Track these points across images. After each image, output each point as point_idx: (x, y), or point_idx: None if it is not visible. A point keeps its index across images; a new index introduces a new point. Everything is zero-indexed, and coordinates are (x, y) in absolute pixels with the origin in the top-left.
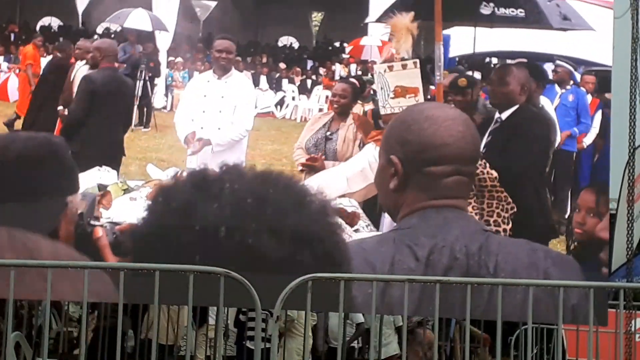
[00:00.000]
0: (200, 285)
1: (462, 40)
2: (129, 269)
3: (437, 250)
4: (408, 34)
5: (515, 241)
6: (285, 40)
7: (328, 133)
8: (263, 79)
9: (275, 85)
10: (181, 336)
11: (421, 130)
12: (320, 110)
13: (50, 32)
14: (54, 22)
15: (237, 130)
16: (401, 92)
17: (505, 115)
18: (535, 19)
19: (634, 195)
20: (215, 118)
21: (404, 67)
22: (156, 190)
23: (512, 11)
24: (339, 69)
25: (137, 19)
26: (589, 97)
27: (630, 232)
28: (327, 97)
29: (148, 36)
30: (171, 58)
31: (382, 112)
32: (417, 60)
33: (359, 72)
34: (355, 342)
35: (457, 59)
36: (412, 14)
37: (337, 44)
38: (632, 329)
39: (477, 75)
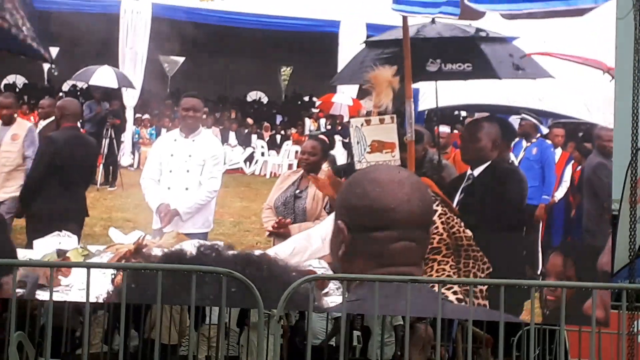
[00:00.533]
0: (204, 286)
1: (431, 94)
2: (132, 268)
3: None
4: (389, 88)
5: (467, 308)
6: (254, 95)
7: (297, 191)
8: (232, 134)
9: (244, 141)
10: (182, 336)
11: (365, 194)
12: (290, 166)
13: (15, 91)
14: (19, 80)
15: (203, 193)
16: (378, 146)
17: (477, 171)
18: (483, 72)
19: (637, 196)
20: (183, 178)
21: (382, 121)
22: (127, 275)
23: (459, 66)
24: (308, 124)
25: (103, 76)
26: (559, 151)
27: (632, 233)
28: (296, 152)
29: (114, 93)
30: (138, 115)
31: (358, 167)
32: (394, 116)
33: (329, 127)
34: (357, 342)
35: (426, 112)
36: (394, 67)
37: (306, 98)
38: (635, 329)
39: (446, 129)
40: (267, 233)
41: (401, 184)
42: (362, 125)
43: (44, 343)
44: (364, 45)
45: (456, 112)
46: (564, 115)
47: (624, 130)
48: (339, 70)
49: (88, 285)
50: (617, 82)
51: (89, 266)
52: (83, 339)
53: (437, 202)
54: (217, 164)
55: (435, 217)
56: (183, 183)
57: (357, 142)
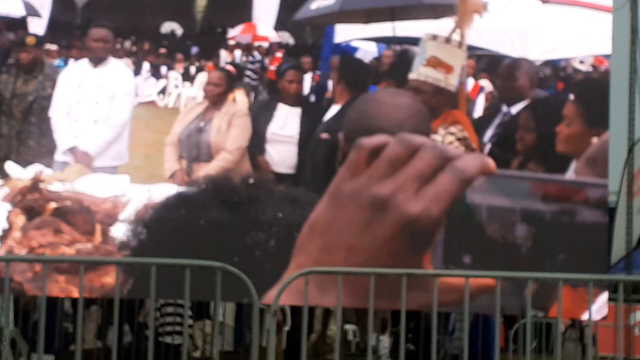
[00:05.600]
0: (198, 280)
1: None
2: (125, 263)
3: None
4: (472, 16)
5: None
6: (168, 27)
7: (201, 124)
8: (145, 66)
9: (158, 73)
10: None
11: (363, 111)
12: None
13: None
14: None
15: (112, 128)
16: (434, 62)
17: (515, 109)
18: None
19: (634, 189)
20: (91, 110)
21: (447, 41)
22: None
23: None
24: (224, 56)
25: (7, 4)
26: (471, 81)
27: (629, 225)
28: None
29: (20, 23)
30: (47, 46)
31: (411, 76)
32: (464, 44)
33: (244, 59)
34: (352, 336)
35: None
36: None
37: (219, 30)
38: (632, 322)
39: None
40: (168, 175)
41: (399, 108)
42: (428, 39)
43: (37, 339)
44: None
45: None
46: (477, 47)
47: (620, 122)
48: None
49: (82, 281)
50: (612, 73)
51: (81, 262)
52: (76, 335)
53: (457, 142)
54: (127, 95)
55: None
56: (91, 115)
57: (419, 54)
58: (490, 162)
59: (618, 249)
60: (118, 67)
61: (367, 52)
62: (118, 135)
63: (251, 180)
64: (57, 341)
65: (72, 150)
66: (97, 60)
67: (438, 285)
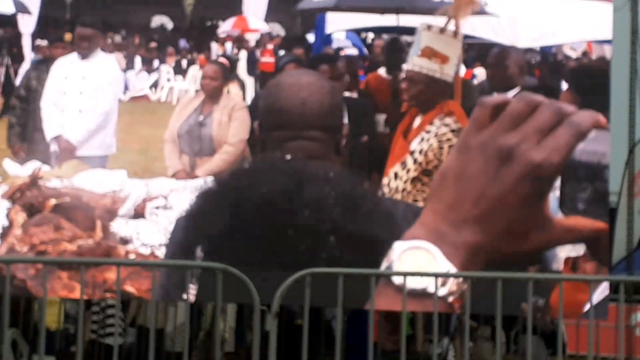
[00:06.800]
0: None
1: (338, 17)
2: (127, 264)
3: None
4: (468, 7)
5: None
6: (158, 20)
7: (201, 118)
8: (137, 60)
9: (149, 67)
10: (180, 332)
11: (268, 96)
12: (198, 91)
13: None
14: None
15: (94, 117)
16: (429, 53)
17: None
18: None
19: (635, 190)
20: (76, 100)
21: (442, 31)
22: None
23: None
24: (215, 48)
25: None
26: (463, 68)
27: (630, 226)
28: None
29: (9, 20)
30: (38, 42)
31: (405, 67)
32: (459, 33)
33: (235, 51)
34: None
35: (332, 35)
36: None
37: (209, 23)
38: (633, 323)
39: (354, 51)
40: (171, 173)
41: (301, 87)
42: (423, 29)
43: (38, 340)
44: None
45: (364, 35)
46: (468, 36)
47: (621, 123)
48: None
49: (82, 283)
50: (613, 74)
51: (82, 263)
52: (78, 336)
53: (451, 133)
54: (110, 86)
55: (445, 145)
56: (76, 105)
57: (414, 45)
58: (602, 118)
59: (619, 250)
60: (105, 60)
61: (339, 41)
62: (101, 124)
63: (288, 157)
64: (59, 342)
65: (57, 139)
66: (85, 54)
67: (555, 229)
